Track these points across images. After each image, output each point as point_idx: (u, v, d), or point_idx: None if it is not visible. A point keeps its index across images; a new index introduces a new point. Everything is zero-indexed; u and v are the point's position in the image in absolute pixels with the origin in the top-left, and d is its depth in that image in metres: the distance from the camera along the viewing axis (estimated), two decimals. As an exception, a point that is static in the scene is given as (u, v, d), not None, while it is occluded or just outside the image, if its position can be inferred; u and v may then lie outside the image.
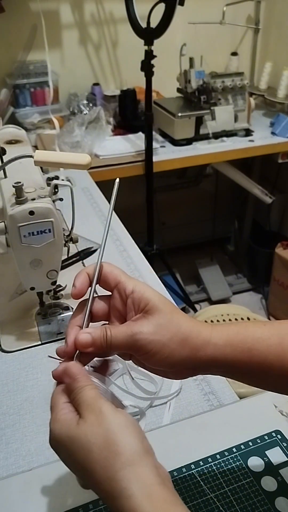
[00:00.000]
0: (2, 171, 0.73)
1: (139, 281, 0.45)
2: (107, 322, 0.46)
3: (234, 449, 0.57)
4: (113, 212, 0.48)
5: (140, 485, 0.35)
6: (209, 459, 0.55)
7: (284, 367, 0.43)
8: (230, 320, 1.22)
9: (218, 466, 0.55)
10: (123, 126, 1.86)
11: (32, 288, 0.72)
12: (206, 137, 1.81)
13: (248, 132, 1.88)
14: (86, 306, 0.44)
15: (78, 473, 0.38)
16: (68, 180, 0.70)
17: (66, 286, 0.82)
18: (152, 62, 1.47)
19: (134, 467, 0.35)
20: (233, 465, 0.55)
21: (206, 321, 1.21)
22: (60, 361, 0.43)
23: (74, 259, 0.95)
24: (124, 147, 1.72)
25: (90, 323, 0.45)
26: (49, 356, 0.74)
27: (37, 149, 1.54)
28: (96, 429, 0.36)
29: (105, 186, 1.34)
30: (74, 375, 0.40)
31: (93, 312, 0.45)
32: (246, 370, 0.43)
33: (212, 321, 1.23)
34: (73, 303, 0.83)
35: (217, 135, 1.82)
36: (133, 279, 0.45)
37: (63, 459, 0.39)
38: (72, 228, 0.75)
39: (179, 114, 1.71)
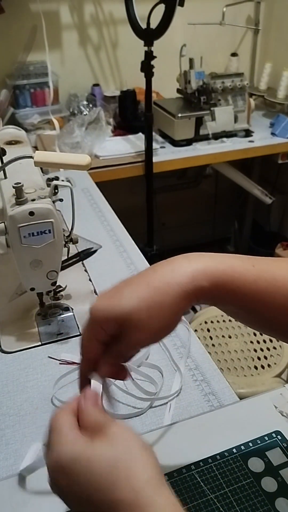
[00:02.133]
0: (2, 171, 0.73)
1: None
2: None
3: (234, 450, 0.57)
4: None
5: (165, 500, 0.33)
6: (209, 460, 0.55)
7: (270, 311, 0.42)
8: (230, 321, 1.23)
9: (218, 467, 0.55)
10: (123, 127, 1.86)
11: (32, 289, 0.72)
12: (206, 137, 1.81)
13: (248, 133, 1.88)
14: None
15: (89, 495, 0.34)
16: (68, 181, 0.70)
17: (66, 286, 0.82)
18: (152, 62, 1.47)
19: (154, 490, 0.33)
20: (233, 465, 0.55)
21: (206, 322, 1.22)
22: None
23: (74, 259, 0.95)
24: (124, 147, 1.72)
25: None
26: (49, 357, 0.74)
27: (37, 149, 1.54)
28: (110, 451, 0.35)
29: (105, 187, 1.34)
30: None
31: None
32: (235, 309, 0.43)
33: (212, 322, 1.23)
34: (73, 304, 0.83)
35: (217, 136, 1.82)
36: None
37: (67, 485, 0.35)
38: (72, 228, 0.75)
39: (179, 115, 1.71)
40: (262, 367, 1.11)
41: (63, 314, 0.81)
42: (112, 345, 0.42)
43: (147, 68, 1.48)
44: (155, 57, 1.46)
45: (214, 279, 0.41)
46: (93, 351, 0.42)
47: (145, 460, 0.35)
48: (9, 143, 0.87)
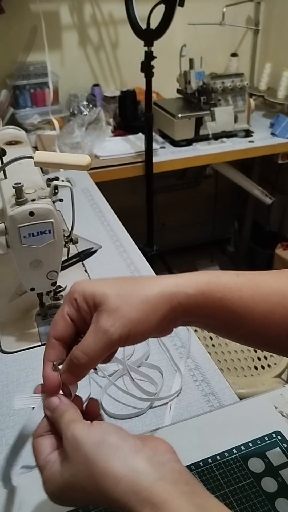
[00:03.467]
0: (2, 172, 0.73)
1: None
2: None
3: (234, 450, 0.56)
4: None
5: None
6: (209, 460, 0.55)
7: (255, 321, 0.42)
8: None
9: (218, 467, 0.55)
10: (123, 127, 1.87)
11: (32, 289, 0.72)
12: (206, 138, 1.81)
13: (248, 133, 1.88)
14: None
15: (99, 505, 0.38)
16: (68, 181, 0.70)
17: (66, 287, 0.82)
18: (152, 63, 1.47)
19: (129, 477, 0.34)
20: (233, 466, 0.55)
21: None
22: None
23: (74, 259, 0.95)
24: (124, 148, 1.72)
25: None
26: (49, 357, 0.74)
27: (37, 150, 1.54)
28: (77, 465, 0.36)
29: (105, 187, 1.34)
30: (50, 407, 0.40)
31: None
32: (218, 322, 0.43)
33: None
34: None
35: (217, 136, 1.82)
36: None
37: (74, 503, 0.39)
38: (72, 229, 0.75)
39: (179, 115, 1.71)
40: (262, 367, 1.11)
41: (63, 314, 0.81)
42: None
43: (147, 68, 1.48)
44: (155, 57, 1.46)
45: (199, 287, 0.42)
46: (61, 326, 0.42)
47: (108, 454, 0.36)
48: (9, 143, 0.87)
